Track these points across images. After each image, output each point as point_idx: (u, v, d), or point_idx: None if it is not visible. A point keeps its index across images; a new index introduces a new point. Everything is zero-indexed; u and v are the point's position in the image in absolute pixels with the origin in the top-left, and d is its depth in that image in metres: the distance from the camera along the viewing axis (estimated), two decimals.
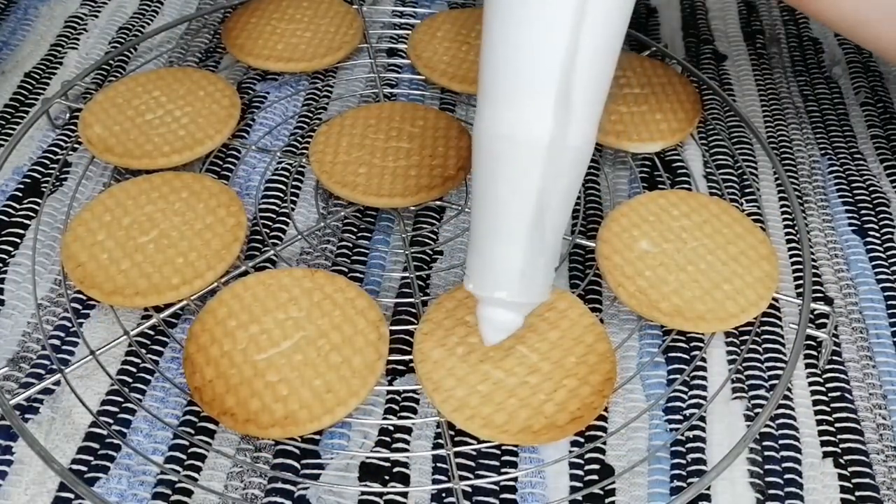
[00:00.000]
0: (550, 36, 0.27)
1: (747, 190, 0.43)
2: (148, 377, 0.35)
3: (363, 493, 0.31)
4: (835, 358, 0.36)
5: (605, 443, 0.33)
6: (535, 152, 0.28)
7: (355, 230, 0.40)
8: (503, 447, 0.33)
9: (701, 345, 0.36)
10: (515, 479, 0.32)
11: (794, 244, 0.40)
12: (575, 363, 0.33)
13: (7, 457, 0.32)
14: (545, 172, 0.28)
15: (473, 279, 0.30)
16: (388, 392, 0.34)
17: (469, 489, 0.31)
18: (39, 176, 0.42)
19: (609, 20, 0.28)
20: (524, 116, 0.28)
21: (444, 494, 0.31)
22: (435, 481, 0.32)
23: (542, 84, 0.27)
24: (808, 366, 0.36)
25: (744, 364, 0.36)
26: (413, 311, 0.37)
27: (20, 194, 0.41)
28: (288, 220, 0.41)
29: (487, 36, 0.28)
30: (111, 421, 0.33)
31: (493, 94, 0.28)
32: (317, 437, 0.33)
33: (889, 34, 0.33)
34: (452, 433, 0.33)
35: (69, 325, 0.36)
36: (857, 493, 0.32)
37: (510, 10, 0.27)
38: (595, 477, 0.32)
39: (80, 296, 0.37)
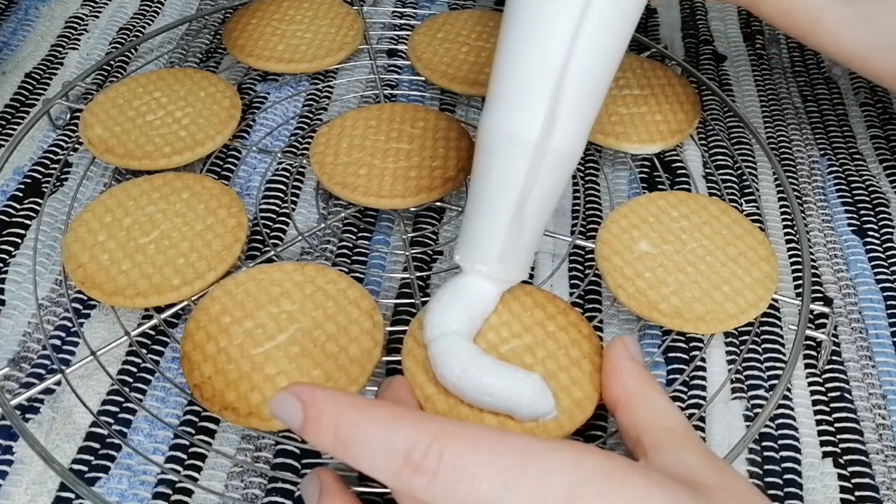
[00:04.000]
0: (545, 48, 0.31)
1: (747, 191, 0.43)
2: (148, 377, 0.35)
3: (363, 492, 0.31)
4: (834, 358, 0.36)
5: (605, 443, 0.33)
6: (522, 150, 0.32)
7: (355, 231, 0.40)
8: None
9: (700, 345, 0.36)
10: None
11: (793, 245, 0.40)
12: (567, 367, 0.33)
13: (8, 457, 0.32)
14: (529, 170, 0.32)
15: (460, 251, 0.34)
16: None
17: None
18: (40, 176, 0.42)
19: (604, 40, 0.31)
20: (516, 117, 0.32)
21: None
22: None
23: (535, 90, 0.31)
24: (807, 366, 0.36)
25: (743, 364, 0.36)
26: (413, 311, 0.37)
27: (21, 194, 0.41)
28: (288, 221, 0.41)
29: (499, 43, 0.33)
30: (112, 421, 0.33)
31: (495, 95, 0.32)
32: None
33: (888, 67, 0.36)
34: None
35: (70, 325, 0.36)
36: (856, 494, 0.32)
37: (516, 21, 0.32)
38: None
39: (81, 296, 0.37)
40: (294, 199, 0.42)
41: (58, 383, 0.34)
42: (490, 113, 0.33)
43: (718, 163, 0.44)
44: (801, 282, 0.38)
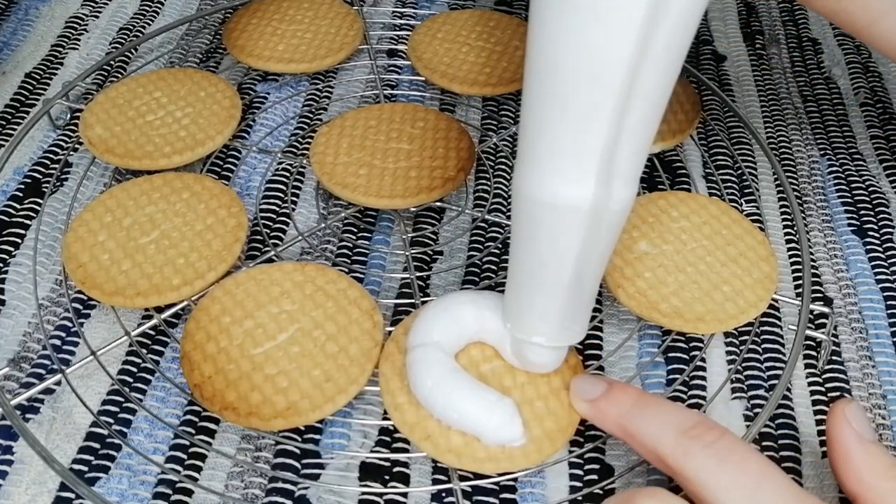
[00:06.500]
0: (599, 101, 0.25)
1: (747, 191, 0.43)
2: (149, 377, 0.35)
3: (363, 493, 0.31)
4: (834, 358, 0.36)
5: (604, 443, 0.33)
6: (576, 219, 0.27)
7: (355, 231, 0.40)
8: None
9: (700, 345, 0.36)
10: (515, 480, 0.32)
11: (793, 245, 0.40)
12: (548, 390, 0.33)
13: (8, 457, 0.32)
14: (585, 237, 0.28)
15: (512, 322, 0.31)
16: None
17: (469, 489, 0.31)
18: (40, 176, 0.42)
19: (672, 61, 0.26)
20: (565, 184, 0.27)
21: (444, 494, 0.31)
22: (435, 481, 0.32)
23: (586, 150, 0.26)
24: (807, 366, 0.36)
25: (743, 364, 0.36)
26: (413, 311, 0.37)
27: (21, 194, 0.41)
28: (288, 221, 0.41)
29: (528, 94, 0.27)
30: (112, 421, 0.33)
31: (534, 156, 0.27)
32: (317, 436, 0.33)
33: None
34: None
35: (70, 325, 0.36)
36: None
37: (555, 74, 0.26)
38: (595, 477, 0.32)
39: (81, 296, 0.37)
40: (294, 199, 0.42)
41: (58, 383, 0.34)
42: (528, 174, 0.27)
43: (718, 163, 0.44)
44: (801, 282, 0.38)
